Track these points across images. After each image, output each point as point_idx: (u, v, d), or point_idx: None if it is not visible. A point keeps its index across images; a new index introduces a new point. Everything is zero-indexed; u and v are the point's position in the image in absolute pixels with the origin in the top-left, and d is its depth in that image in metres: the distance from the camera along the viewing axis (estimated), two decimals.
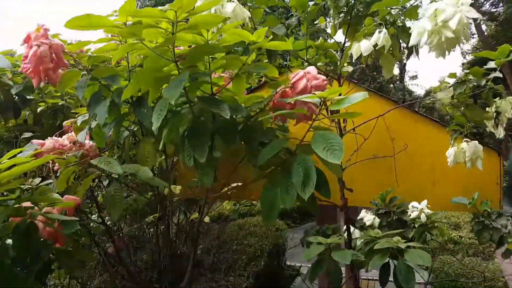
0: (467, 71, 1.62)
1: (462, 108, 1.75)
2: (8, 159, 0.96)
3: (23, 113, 1.83)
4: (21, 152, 1.04)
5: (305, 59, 1.74)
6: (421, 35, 1.10)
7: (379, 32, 1.15)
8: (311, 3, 1.64)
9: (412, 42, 1.11)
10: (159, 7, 0.79)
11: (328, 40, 1.88)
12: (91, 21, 0.77)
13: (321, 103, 0.92)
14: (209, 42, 1.04)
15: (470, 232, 5.32)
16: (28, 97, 1.70)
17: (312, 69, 1.08)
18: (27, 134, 1.59)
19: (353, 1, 1.61)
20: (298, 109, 0.95)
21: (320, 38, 1.88)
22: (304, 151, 0.96)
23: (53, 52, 1.04)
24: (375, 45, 1.16)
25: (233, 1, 1.50)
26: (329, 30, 1.77)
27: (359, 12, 1.65)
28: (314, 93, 1.00)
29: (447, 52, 1.15)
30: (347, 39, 1.69)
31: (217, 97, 1.04)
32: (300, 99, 0.90)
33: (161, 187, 1.45)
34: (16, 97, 1.69)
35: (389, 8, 1.23)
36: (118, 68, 1.21)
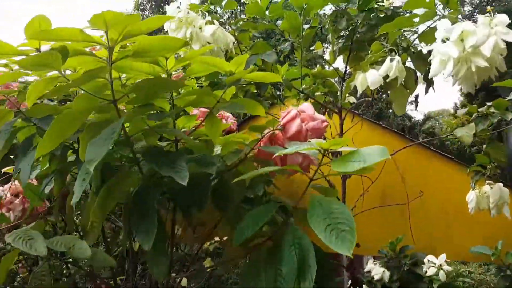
0: (490, 103, 1.38)
1: (484, 146, 1.51)
2: None
3: None
4: None
5: (301, 89, 1.50)
6: (445, 64, 0.85)
7: (391, 60, 0.91)
8: (306, 26, 1.41)
9: (433, 72, 0.87)
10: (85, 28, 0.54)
11: (326, 67, 1.65)
12: None
13: (323, 154, 0.67)
14: (171, 73, 0.79)
15: (479, 267, 5.02)
16: None
17: (307, 107, 0.83)
18: None
19: (354, 24, 1.38)
20: (290, 165, 0.70)
21: (317, 65, 1.65)
22: (300, 219, 0.70)
23: None
24: (386, 76, 0.92)
25: (213, 23, 1.27)
26: (327, 57, 1.53)
27: (362, 36, 1.43)
28: (310, 140, 0.75)
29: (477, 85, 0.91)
30: (348, 67, 1.46)
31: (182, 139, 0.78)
32: (293, 151, 0.64)
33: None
34: None
35: (402, 31, 0.99)
36: (64, 106, 0.96)
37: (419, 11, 1.01)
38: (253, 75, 0.78)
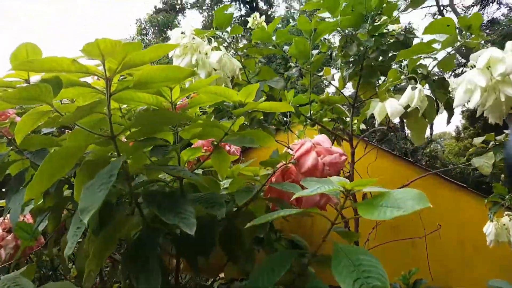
0: (508, 131, 1.32)
1: (502, 176, 1.44)
2: None
3: None
4: None
5: (309, 115, 1.44)
6: (471, 93, 0.79)
7: (413, 88, 0.84)
8: (314, 52, 1.36)
9: (458, 102, 0.81)
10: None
11: (328, 91, 1.59)
12: None
13: (346, 195, 0.59)
14: (176, 104, 0.73)
15: None
16: None
17: (323, 139, 0.76)
18: None
19: (364, 48, 1.33)
20: (310, 209, 0.62)
21: (325, 91, 1.59)
22: (320, 265, 0.63)
23: None
24: (406, 106, 0.85)
25: (220, 50, 1.22)
26: (336, 83, 1.48)
27: (372, 62, 1.38)
28: (330, 177, 0.68)
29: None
30: (358, 94, 1.40)
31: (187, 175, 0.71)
32: (313, 193, 0.57)
33: None
34: None
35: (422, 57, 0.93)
36: (60, 137, 0.89)
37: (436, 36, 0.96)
38: (265, 105, 0.72)
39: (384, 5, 1.30)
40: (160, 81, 0.57)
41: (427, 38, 1.00)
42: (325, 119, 1.61)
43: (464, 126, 11.02)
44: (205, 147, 1.07)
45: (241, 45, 1.41)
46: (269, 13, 16.10)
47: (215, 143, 0.77)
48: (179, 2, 16.29)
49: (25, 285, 0.65)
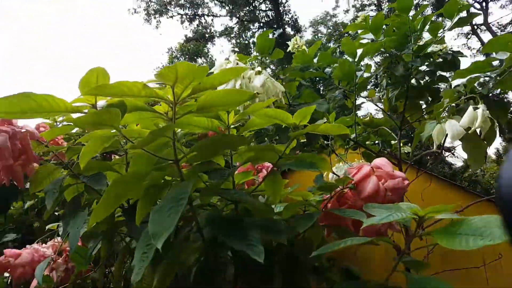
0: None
1: None
2: None
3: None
4: None
5: (355, 137, 1.41)
6: None
7: (475, 109, 0.80)
8: (359, 73, 1.35)
9: None
10: (148, 81, 0.49)
11: (366, 111, 1.56)
12: (31, 105, 0.46)
13: (418, 223, 0.56)
14: (231, 127, 0.73)
15: None
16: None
17: (383, 162, 0.73)
18: (9, 236, 1.28)
19: (410, 69, 1.30)
20: (376, 238, 0.59)
21: (369, 113, 1.56)
22: None
23: (17, 142, 0.76)
24: (467, 127, 0.81)
25: (262, 74, 1.22)
26: (381, 104, 1.45)
27: (419, 82, 1.34)
28: (392, 202, 0.65)
29: None
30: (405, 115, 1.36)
31: (244, 201, 0.70)
32: (382, 221, 0.54)
33: None
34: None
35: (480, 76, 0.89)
36: (113, 161, 0.91)
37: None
38: (323, 128, 0.70)
39: (428, 24, 1.28)
40: (221, 105, 0.57)
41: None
42: (368, 142, 1.57)
43: (505, 148, 10.56)
44: (248, 169, 1.06)
45: (269, 70, 1.41)
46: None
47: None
48: (208, 31, 16.76)
49: None
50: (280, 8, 15.39)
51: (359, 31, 1.41)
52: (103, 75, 0.51)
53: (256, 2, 15.67)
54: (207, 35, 16.62)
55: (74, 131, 1.43)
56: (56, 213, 1.18)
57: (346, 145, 1.58)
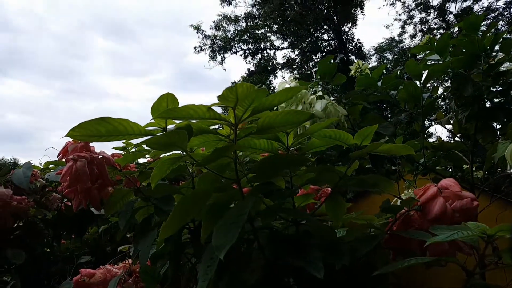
0: None
1: None
2: None
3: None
4: None
5: (423, 162, 1.35)
6: None
7: None
8: (425, 95, 1.31)
9: None
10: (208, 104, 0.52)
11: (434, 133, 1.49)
12: (108, 128, 0.52)
13: (486, 242, 0.52)
14: (291, 148, 0.74)
15: None
16: (96, 212, 1.54)
17: (450, 183, 0.70)
18: (84, 258, 1.37)
19: (481, 89, 1.24)
20: (443, 258, 0.56)
21: (438, 137, 1.49)
22: None
23: (95, 168, 0.83)
24: None
25: (324, 98, 1.23)
26: (449, 126, 1.38)
27: (491, 103, 1.27)
28: (464, 224, 0.61)
29: None
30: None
31: (303, 228, 0.70)
32: (448, 239, 0.51)
33: None
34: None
35: None
36: (180, 186, 0.96)
37: None
38: (385, 148, 0.69)
39: (500, 41, 1.22)
40: (281, 126, 0.59)
41: None
42: (438, 167, 1.50)
43: None
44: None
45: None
46: None
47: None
48: (270, 64, 17.18)
49: None
50: (343, 37, 15.42)
51: (425, 53, 1.38)
52: (172, 100, 0.55)
53: (318, 32, 15.87)
54: (269, 68, 17.03)
55: (145, 160, 1.53)
56: (128, 235, 1.26)
57: (415, 170, 1.52)
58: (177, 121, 0.60)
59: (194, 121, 0.59)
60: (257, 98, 0.51)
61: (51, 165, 1.57)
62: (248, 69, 17.13)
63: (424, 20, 16.65)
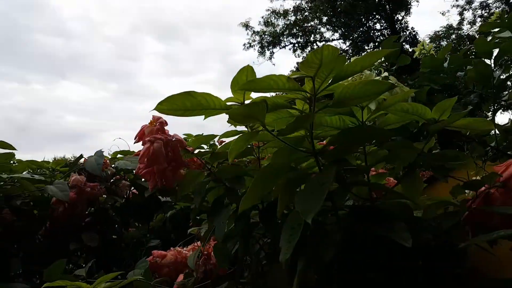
0: None
1: None
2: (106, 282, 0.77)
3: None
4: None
5: (494, 145, 1.28)
6: None
7: None
8: (496, 75, 1.23)
9: None
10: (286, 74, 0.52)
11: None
12: (192, 102, 0.53)
13: None
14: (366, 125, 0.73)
15: None
16: (162, 199, 1.60)
17: None
18: (154, 242, 1.44)
19: None
20: None
21: (510, 119, 1.40)
22: None
23: (170, 150, 0.87)
24: None
25: (389, 79, 1.19)
26: None
27: None
28: None
29: None
30: None
31: (380, 203, 0.68)
32: None
33: None
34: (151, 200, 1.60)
35: None
36: (250, 167, 0.97)
37: None
38: (464, 122, 0.66)
39: None
40: (359, 97, 0.58)
41: None
42: (510, 152, 1.40)
43: None
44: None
45: None
46: (414, 55, 15.43)
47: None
48: None
49: None
50: (397, 26, 14.86)
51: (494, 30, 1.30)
52: (252, 73, 0.56)
53: (370, 22, 15.40)
54: None
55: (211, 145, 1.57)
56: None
57: (484, 156, 1.43)
58: (254, 97, 0.61)
59: (268, 95, 0.59)
60: (337, 66, 0.50)
61: (118, 155, 1.66)
62: (297, 63, 17.01)
63: (485, 4, 15.60)
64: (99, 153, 1.38)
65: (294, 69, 16.66)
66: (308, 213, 0.44)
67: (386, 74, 1.19)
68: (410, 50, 15.75)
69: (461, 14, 16.13)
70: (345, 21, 15.16)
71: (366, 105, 0.66)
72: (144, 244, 1.42)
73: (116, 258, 1.43)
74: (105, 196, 1.48)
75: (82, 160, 1.52)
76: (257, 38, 16.23)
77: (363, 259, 0.58)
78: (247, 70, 0.54)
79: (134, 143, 0.91)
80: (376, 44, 15.75)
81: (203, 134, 0.92)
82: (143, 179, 1.61)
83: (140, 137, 0.89)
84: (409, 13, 15.26)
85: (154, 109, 0.54)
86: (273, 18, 15.94)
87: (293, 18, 15.92)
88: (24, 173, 1.46)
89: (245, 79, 0.55)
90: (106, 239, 1.45)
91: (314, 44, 16.43)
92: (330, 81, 0.53)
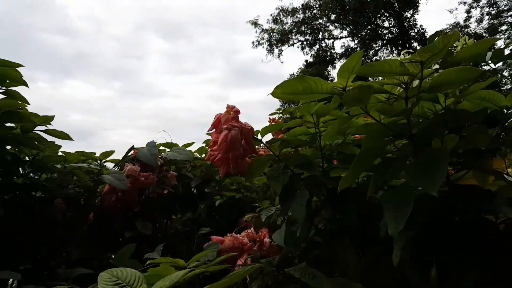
0: None
1: None
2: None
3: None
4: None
5: None
6: None
7: None
8: None
9: None
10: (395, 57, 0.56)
11: None
12: (305, 86, 0.57)
13: None
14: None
15: None
16: (205, 190, 1.65)
17: None
18: (204, 229, 1.48)
19: None
20: None
21: None
22: None
23: (244, 137, 0.91)
24: None
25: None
26: None
27: None
28: None
29: None
30: None
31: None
32: None
33: None
34: (195, 190, 1.65)
35: None
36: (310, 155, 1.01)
37: None
38: None
39: None
40: (451, 83, 0.61)
41: None
42: None
43: None
44: None
45: None
46: None
47: None
48: (328, 54, 16.92)
49: (318, 276, 0.73)
50: (405, 24, 14.84)
51: None
52: (360, 59, 0.60)
53: (378, 20, 15.39)
54: (327, 58, 16.80)
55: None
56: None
57: None
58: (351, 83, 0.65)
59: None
60: (444, 49, 0.54)
61: (161, 147, 1.71)
62: (306, 61, 17.03)
63: (492, 1, 15.51)
64: (152, 144, 1.43)
65: (303, 67, 16.67)
66: (432, 187, 0.48)
67: (437, 66, 1.22)
68: (418, 48, 15.66)
69: (468, 11, 16.06)
70: (354, 18, 15.16)
71: (452, 91, 0.70)
72: (195, 231, 1.46)
73: (167, 244, 1.48)
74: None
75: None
76: (266, 36, 16.26)
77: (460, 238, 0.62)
78: (358, 56, 0.58)
79: (208, 131, 0.96)
80: (384, 42, 15.72)
81: (272, 124, 0.96)
82: (188, 170, 1.66)
83: (215, 125, 0.93)
84: (417, 11, 15.23)
85: (271, 94, 0.58)
86: (282, 16, 15.96)
87: (301, 15, 15.94)
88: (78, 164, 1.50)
89: (354, 65, 0.59)
90: (157, 227, 1.50)
91: (323, 41, 16.45)
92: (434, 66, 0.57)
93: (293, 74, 16.75)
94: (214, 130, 0.96)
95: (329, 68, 17.06)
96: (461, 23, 16.38)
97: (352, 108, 0.72)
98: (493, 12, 15.65)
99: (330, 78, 16.88)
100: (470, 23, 16.27)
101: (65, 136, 1.32)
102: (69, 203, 1.42)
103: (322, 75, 16.53)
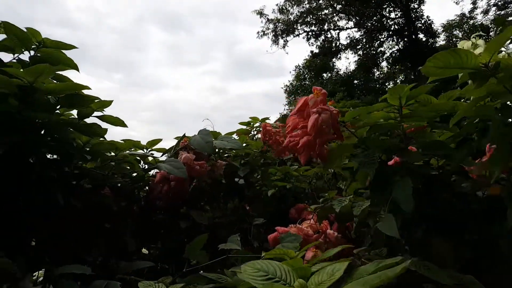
0: None
1: None
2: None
3: None
4: None
5: None
6: None
7: None
8: None
9: None
10: None
11: None
12: (456, 58, 0.53)
13: None
14: None
15: None
16: (250, 179, 1.61)
17: None
18: (258, 220, 1.44)
19: None
20: None
21: None
22: None
23: (332, 121, 0.86)
24: None
25: None
26: None
27: None
28: None
29: None
30: None
31: None
32: None
33: None
34: (239, 180, 1.61)
35: None
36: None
37: None
38: None
39: None
40: None
41: None
42: None
43: None
44: None
45: None
46: (429, 43, 15.30)
47: None
48: (334, 45, 16.80)
49: (432, 267, 0.69)
50: (411, 14, 14.70)
51: None
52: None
53: (384, 11, 15.25)
54: (332, 49, 16.68)
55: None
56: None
57: None
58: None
59: None
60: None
61: None
62: (311, 51, 16.91)
63: None
64: (205, 132, 1.38)
65: (308, 58, 16.57)
66: None
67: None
68: (424, 39, 15.55)
69: (474, 3, 15.90)
70: (359, 9, 15.01)
71: None
72: (246, 221, 1.43)
73: (215, 235, 1.44)
74: None
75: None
76: (271, 26, 16.13)
77: None
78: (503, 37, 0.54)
79: (292, 114, 0.91)
80: (390, 33, 15.60)
81: (358, 108, 0.91)
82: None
83: (301, 109, 0.88)
84: (423, 2, 15.09)
85: (421, 68, 0.54)
86: (288, 5, 15.81)
87: (307, 6, 15.79)
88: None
89: (509, 36, 0.54)
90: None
91: (328, 32, 16.32)
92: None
93: (298, 65, 16.64)
94: (295, 114, 0.92)
95: (334, 60, 16.96)
96: (467, 14, 16.24)
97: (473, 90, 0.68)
98: (499, 4, 15.49)
99: (335, 70, 16.77)
100: (477, 14, 16.12)
101: (120, 122, 1.27)
102: (118, 193, 1.38)
103: (327, 66, 16.45)
